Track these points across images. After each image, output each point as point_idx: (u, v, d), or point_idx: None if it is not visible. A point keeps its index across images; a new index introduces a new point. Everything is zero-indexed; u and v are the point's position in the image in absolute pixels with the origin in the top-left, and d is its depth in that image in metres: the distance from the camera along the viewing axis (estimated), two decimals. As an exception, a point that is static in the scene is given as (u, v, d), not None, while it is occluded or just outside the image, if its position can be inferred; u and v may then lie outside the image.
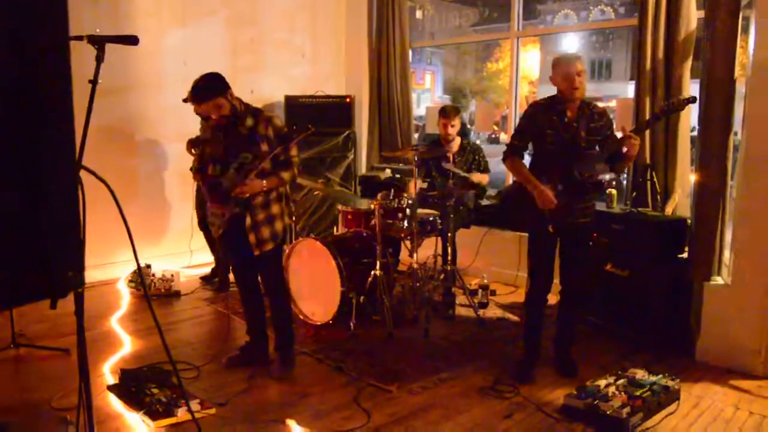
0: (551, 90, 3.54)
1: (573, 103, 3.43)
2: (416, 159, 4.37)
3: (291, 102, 6.41)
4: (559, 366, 3.71)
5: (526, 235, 3.73)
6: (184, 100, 4.98)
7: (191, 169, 5.32)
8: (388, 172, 6.28)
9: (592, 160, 3.44)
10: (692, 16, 4.35)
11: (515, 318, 4.68)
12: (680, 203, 4.47)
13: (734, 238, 3.81)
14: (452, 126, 4.96)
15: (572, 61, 3.39)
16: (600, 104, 3.60)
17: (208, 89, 3.32)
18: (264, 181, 3.37)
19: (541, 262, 3.59)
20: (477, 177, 4.96)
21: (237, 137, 3.42)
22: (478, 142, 13.10)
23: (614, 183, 4.52)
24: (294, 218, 5.00)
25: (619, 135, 3.38)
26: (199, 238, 5.53)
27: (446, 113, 5.00)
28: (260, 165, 3.33)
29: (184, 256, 6.01)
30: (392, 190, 4.57)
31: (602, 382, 3.29)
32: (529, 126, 3.53)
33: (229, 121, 3.40)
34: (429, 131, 7.09)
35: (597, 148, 3.44)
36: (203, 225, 5.34)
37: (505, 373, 3.65)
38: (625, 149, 3.35)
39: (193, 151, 5.23)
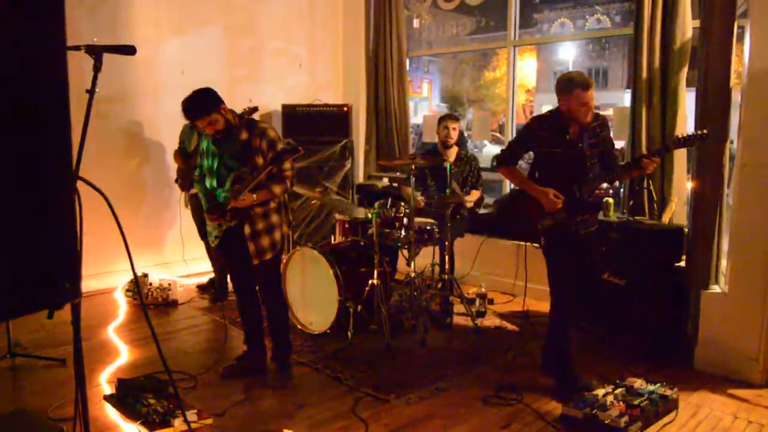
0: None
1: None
2: (413, 168, 4.37)
3: (288, 111, 6.42)
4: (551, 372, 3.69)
5: (524, 244, 3.71)
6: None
7: (176, 181, 5.32)
8: (385, 181, 6.27)
9: (594, 181, 3.44)
10: (688, 25, 4.37)
11: (513, 327, 4.67)
12: (677, 212, 4.47)
13: (731, 246, 3.81)
14: (454, 129, 5.09)
15: (589, 90, 3.28)
16: (600, 113, 3.57)
17: (202, 106, 3.31)
18: (254, 195, 3.37)
19: (565, 272, 3.48)
20: (470, 198, 5.07)
21: (232, 151, 3.43)
22: (475, 150, 13.07)
23: (611, 191, 4.53)
24: (292, 226, 5.00)
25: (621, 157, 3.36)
26: (193, 248, 5.52)
27: (450, 116, 5.18)
28: (254, 183, 3.32)
29: (181, 265, 6.00)
30: (390, 199, 4.57)
31: (600, 392, 3.28)
32: (527, 140, 3.52)
33: (224, 134, 3.40)
34: (426, 140, 7.09)
35: (597, 160, 3.43)
36: (203, 234, 5.33)
37: (505, 381, 3.65)
38: (643, 168, 3.30)
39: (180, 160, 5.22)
